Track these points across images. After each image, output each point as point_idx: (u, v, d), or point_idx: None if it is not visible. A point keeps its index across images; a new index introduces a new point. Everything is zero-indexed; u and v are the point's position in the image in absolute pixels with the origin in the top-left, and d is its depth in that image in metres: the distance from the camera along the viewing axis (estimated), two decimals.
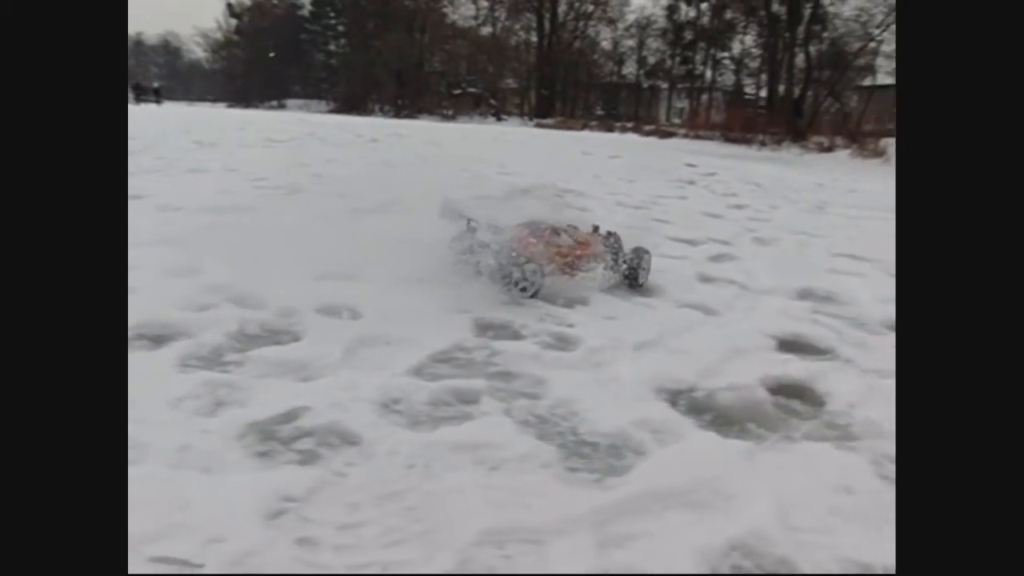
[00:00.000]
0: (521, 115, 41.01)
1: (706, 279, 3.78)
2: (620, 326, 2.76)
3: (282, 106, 43.94)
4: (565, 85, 43.78)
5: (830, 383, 2.29)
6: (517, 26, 45.00)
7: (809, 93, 28.80)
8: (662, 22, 41.10)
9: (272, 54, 45.94)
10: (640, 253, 3.41)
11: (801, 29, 28.40)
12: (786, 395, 2.20)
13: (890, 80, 26.93)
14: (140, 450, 1.54)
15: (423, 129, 21.86)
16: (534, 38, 44.40)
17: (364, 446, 1.67)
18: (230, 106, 39.84)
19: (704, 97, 40.01)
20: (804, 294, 3.58)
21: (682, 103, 41.52)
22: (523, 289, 2.97)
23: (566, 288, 3.12)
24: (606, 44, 43.93)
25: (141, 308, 2.41)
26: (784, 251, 4.96)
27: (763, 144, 22.86)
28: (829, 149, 21.75)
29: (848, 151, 20.85)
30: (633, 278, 3.37)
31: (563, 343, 2.55)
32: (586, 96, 44.41)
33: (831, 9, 28.26)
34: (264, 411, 1.81)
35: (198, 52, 54.69)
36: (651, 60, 42.75)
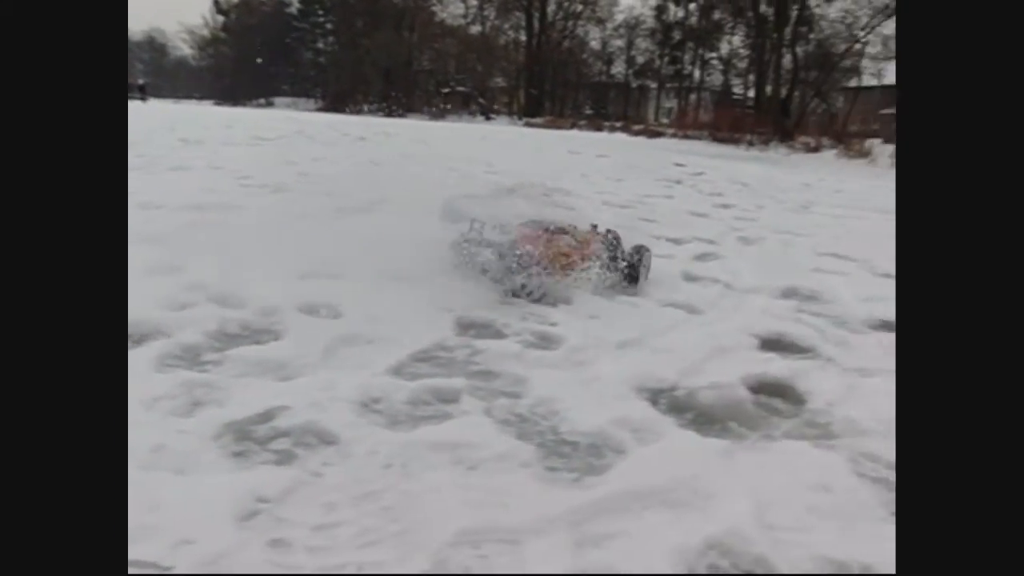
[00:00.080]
0: (510, 114, 40.93)
1: (691, 278, 3.79)
2: (603, 325, 2.76)
3: (270, 104, 43.61)
4: (554, 84, 43.80)
5: (811, 382, 2.30)
6: (506, 25, 45.05)
7: (796, 94, 29.08)
8: (651, 22, 41.36)
9: (260, 53, 45.63)
10: (641, 251, 3.37)
11: (788, 30, 28.62)
12: (767, 394, 2.21)
13: (874, 81, 27.22)
14: None
15: (411, 128, 21.80)
16: (523, 37, 44.48)
17: (342, 446, 1.66)
18: (217, 104, 39.54)
19: (692, 97, 40.22)
20: (788, 293, 3.59)
21: (671, 103, 41.68)
22: (529, 293, 2.95)
23: (554, 287, 3.09)
24: (595, 44, 44.08)
25: None
26: (769, 250, 4.98)
27: (751, 144, 23.01)
28: (816, 149, 21.95)
29: (834, 151, 21.07)
30: (633, 277, 3.31)
31: (545, 342, 2.54)
32: (575, 95, 44.41)
33: (817, 11, 28.59)
34: (241, 411, 1.79)
35: (184, 49, 54.09)
36: (640, 60, 42.95)
